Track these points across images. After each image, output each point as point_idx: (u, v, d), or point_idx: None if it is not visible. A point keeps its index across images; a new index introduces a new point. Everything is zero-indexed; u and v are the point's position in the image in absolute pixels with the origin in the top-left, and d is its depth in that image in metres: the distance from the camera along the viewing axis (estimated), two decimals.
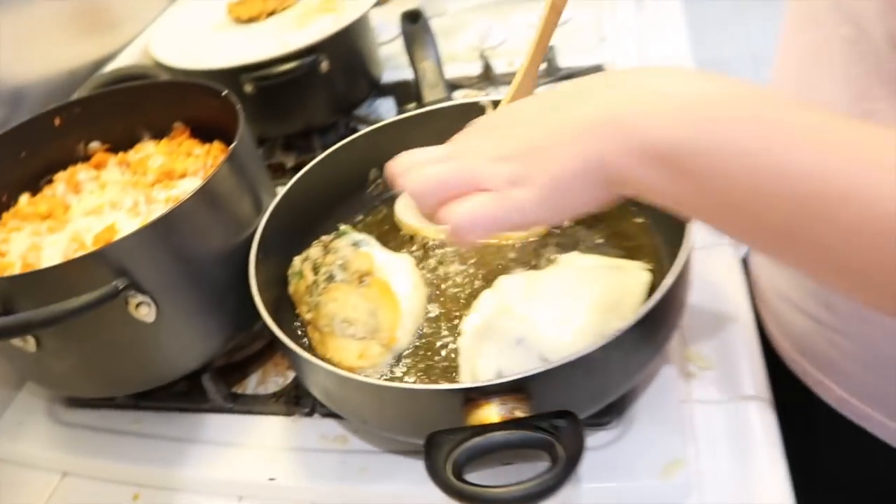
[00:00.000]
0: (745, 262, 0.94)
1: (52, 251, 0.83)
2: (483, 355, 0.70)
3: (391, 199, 0.97)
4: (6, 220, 0.90)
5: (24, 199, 0.93)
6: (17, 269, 0.81)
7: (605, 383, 0.65)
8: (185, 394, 0.87)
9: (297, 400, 0.84)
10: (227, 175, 0.78)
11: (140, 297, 0.70)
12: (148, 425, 0.85)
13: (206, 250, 0.76)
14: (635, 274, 0.78)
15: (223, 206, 0.80)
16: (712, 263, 0.88)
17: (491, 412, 0.58)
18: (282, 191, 0.88)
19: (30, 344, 0.71)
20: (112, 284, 0.66)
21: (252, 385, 0.89)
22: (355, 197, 0.97)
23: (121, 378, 0.78)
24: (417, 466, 0.74)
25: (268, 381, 0.90)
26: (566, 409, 0.57)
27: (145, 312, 0.71)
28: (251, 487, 0.77)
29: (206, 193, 0.75)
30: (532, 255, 0.86)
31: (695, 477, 0.70)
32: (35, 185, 0.95)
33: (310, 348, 0.80)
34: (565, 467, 0.52)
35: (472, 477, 0.55)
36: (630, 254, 0.82)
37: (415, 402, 0.62)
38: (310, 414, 0.83)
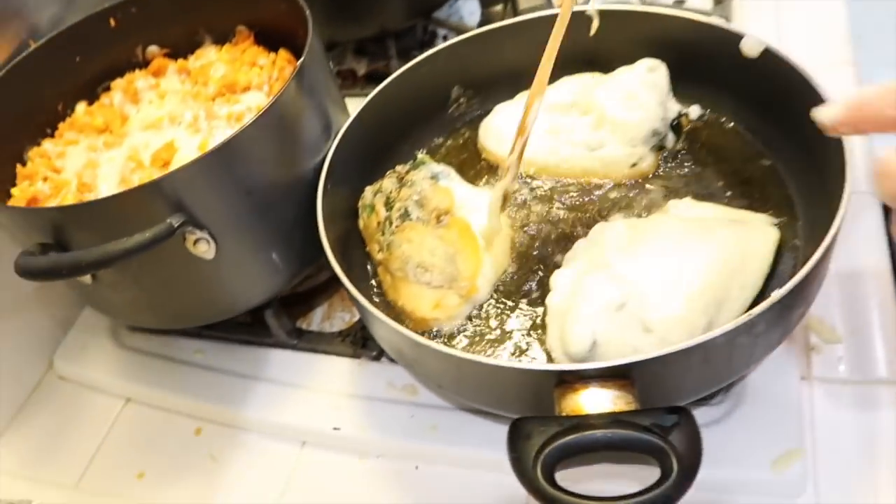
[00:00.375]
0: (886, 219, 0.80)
1: (109, 169, 0.77)
2: (576, 319, 0.61)
3: (475, 121, 0.86)
4: (62, 132, 0.84)
5: (81, 108, 0.87)
6: (72, 188, 0.75)
7: (723, 369, 0.56)
8: (248, 325, 0.82)
9: (363, 342, 0.78)
10: (294, 95, 0.69)
11: (198, 234, 0.64)
12: (211, 356, 0.81)
13: (269, 181, 0.68)
14: (761, 230, 0.66)
15: (290, 131, 0.70)
16: (850, 219, 0.74)
17: (587, 399, 0.50)
18: (354, 111, 0.79)
19: (85, 276, 0.66)
20: (167, 222, 0.60)
21: (317, 319, 0.84)
22: (435, 118, 0.87)
23: (179, 312, 0.73)
24: (493, 429, 0.68)
25: (334, 316, 0.84)
26: (678, 405, 0.49)
27: (204, 249, 0.65)
28: (315, 435, 0.73)
29: (271, 116, 0.66)
30: (636, 199, 0.75)
31: (811, 469, 0.61)
32: (92, 92, 0.88)
33: (380, 292, 0.73)
34: (680, 481, 0.44)
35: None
36: (754, 204, 0.70)
37: (499, 378, 0.55)
38: (377, 358, 0.77)
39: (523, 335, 0.66)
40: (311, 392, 0.75)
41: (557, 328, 0.64)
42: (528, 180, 0.79)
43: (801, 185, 0.69)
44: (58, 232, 0.63)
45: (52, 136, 0.84)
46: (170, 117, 0.82)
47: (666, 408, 0.48)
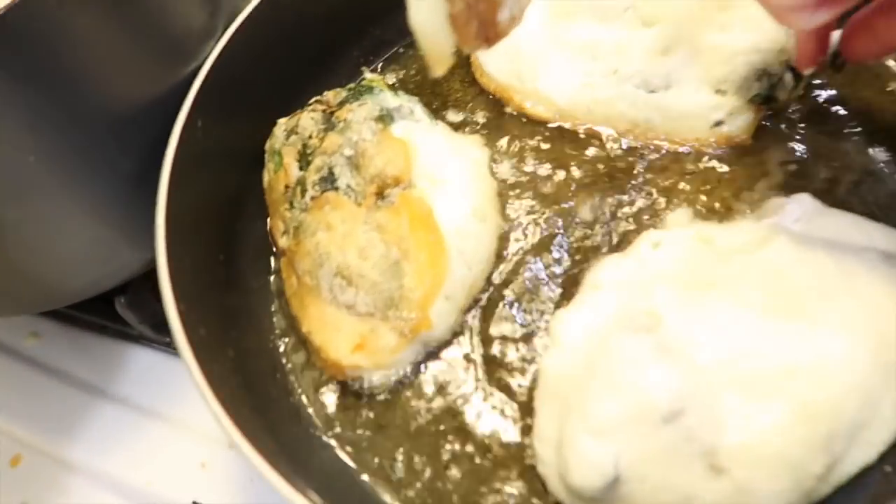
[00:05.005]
0: None
1: None
2: (586, 426, 0.35)
3: None
4: None
5: None
6: None
7: None
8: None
9: None
10: None
11: None
12: (49, 345, 0.59)
13: (104, 101, 0.42)
14: None
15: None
16: None
17: None
18: None
19: None
20: None
21: None
22: (398, 12, 0.55)
23: None
24: None
25: None
26: None
27: None
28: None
29: None
30: (715, 185, 0.45)
31: None
32: None
33: (279, 294, 0.46)
34: None
35: None
36: None
37: None
38: None
39: (498, 416, 0.39)
40: (178, 430, 0.51)
41: (553, 425, 0.37)
42: (538, 128, 0.49)
43: None
44: None
45: None
46: None
47: None
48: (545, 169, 0.48)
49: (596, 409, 0.35)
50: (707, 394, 0.34)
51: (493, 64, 0.52)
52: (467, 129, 0.51)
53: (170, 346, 0.55)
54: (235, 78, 0.46)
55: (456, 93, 0.54)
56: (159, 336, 0.55)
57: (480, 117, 0.51)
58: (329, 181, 0.44)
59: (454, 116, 0.51)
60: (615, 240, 0.44)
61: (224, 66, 0.45)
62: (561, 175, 0.48)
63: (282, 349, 0.45)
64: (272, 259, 0.48)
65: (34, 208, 0.41)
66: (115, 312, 0.56)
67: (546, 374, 0.39)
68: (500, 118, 0.51)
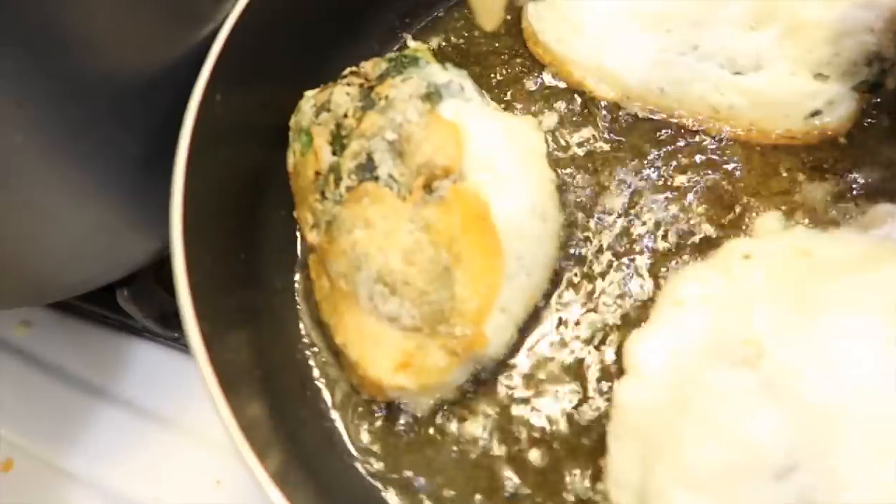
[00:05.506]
0: None
1: None
2: (687, 480, 0.30)
3: None
4: None
5: None
6: None
7: None
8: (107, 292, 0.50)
9: None
10: None
11: None
12: (41, 336, 0.53)
13: (104, 70, 0.37)
14: None
15: None
16: None
17: None
18: None
19: None
20: None
21: None
22: None
23: None
24: None
25: None
26: None
27: None
28: None
29: None
30: (812, 185, 0.40)
31: None
32: None
33: (308, 297, 0.40)
34: None
35: None
36: None
37: None
38: None
39: (564, 454, 0.34)
40: (190, 439, 0.46)
41: (633, 470, 0.32)
42: (601, 110, 0.43)
43: None
44: None
45: None
46: None
47: None
48: (609, 159, 0.42)
49: (693, 457, 0.30)
50: (824, 444, 0.29)
51: (551, 32, 0.46)
52: (518, 108, 0.44)
53: (178, 342, 0.50)
54: (258, 42, 0.39)
55: (504, 65, 0.47)
56: (166, 330, 0.50)
57: (534, 95, 0.44)
58: (368, 169, 0.38)
59: (502, 93, 0.45)
60: (694, 246, 0.38)
61: (245, 29, 0.39)
62: (627, 167, 0.42)
63: (311, 361, 0.39)
64: (298, 254, 0.42)
65: (23, 194, 0.35)
66: (116, 302, 0.51)
67: (623, 408, 0.33)
68: (555, 96, 0.45)
